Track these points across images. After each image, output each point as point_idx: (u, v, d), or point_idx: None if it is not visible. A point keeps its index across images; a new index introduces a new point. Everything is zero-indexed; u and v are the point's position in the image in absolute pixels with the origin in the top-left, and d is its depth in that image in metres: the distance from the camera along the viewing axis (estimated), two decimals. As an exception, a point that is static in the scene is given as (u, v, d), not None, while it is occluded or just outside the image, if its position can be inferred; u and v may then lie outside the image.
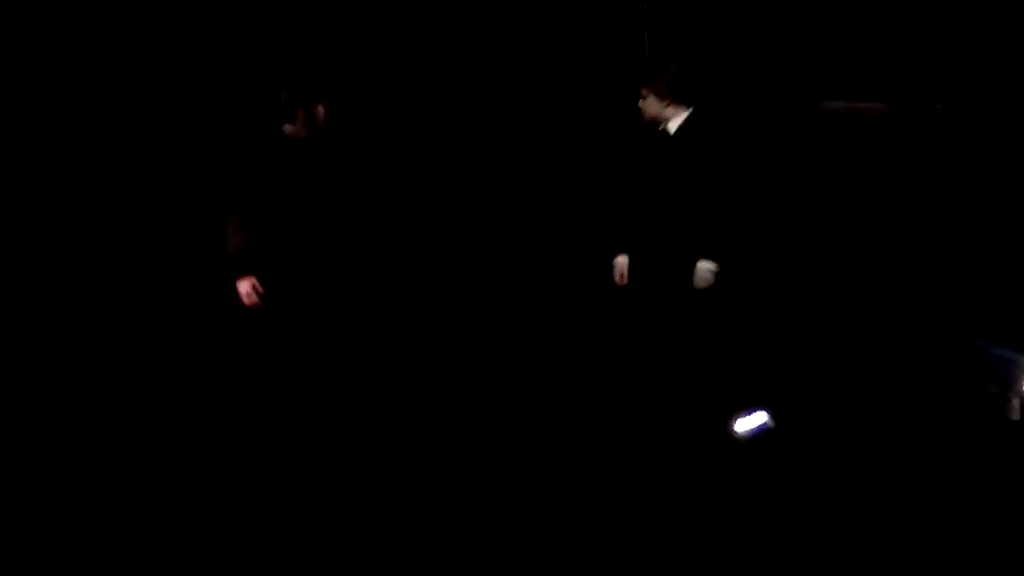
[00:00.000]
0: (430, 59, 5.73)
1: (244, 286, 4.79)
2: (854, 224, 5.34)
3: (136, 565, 3.87)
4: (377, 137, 5.75)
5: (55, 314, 5.60)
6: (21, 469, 4.55)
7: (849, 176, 5.33)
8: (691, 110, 4.85)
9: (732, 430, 4.82)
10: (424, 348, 5.69)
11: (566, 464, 4.61)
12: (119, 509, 4.23)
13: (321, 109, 4.82)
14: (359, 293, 5.05)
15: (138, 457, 4.68)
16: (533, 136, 5.73)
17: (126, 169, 5.68)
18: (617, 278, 5.06)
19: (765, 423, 4.83)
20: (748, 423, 4.82)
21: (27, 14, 5.51)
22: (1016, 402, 4.75)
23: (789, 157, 5.31)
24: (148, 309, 5.68)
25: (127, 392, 5.30)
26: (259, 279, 4.80)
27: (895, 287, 5.27)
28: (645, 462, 4.61)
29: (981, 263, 5.16)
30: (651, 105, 4.86)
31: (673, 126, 4.87)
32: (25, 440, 4.83)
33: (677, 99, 4.85)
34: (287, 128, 4.82)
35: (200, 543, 4.00)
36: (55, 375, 5.38)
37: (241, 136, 4.90)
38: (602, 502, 4.27)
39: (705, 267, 4.81)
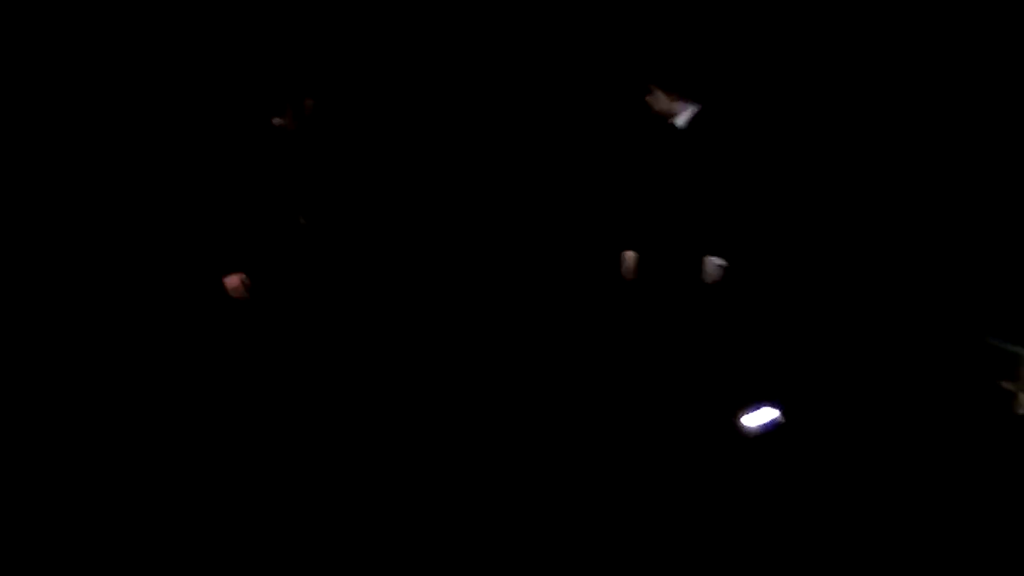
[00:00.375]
0: (432, 53, 5.71)
1: (232, 280, 4.79)
2: (865, 219, 5.33)
3: (123, 564, 3.86)
4: (374, 130, 5.73)
5: (41, 309, 5.56)
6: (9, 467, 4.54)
7: (859, 171, 5.32)
8: (699, 105, 4.86)
9: (741, 425, 4.80)
10: (427, 345, 5.67)
11: (573, 459, 4.59)
12: (107, 505, 4.23)
13: (309, 103, 4.84)
14: (344, 287, 5.05)
15: (127, 452, 4.66)
16: (539, 130, 5.71)
17: (116, 163, 5.64)
18: (625, 273, 5.06)
19: (775, 418, 4.82)
20: (757, 418, 4.81)
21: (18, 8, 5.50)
22: (1025, 397, 4.76)
23: (797, 152, 5.31)
24: (138, 303, 5.63)
25: (115, 386, 5.26)
26: (248, 273, 4.80)
27: (906, 283, 5.27)
28: (653, 457, 4.59)
29: (992, 259, 5.15)
30: (659, 100, 4.86)
31: (681, 121, 4.87)
32: (13, 436, 4.82)
33: (685, 94, 4.86)
34: (276, 121, 4.83)
35: (186, 538, 4.00)
36: (41, 370, 5.34)
37: (230, 129, 4.90)
38: (610, 497, 4.26)
39: (713, 262, 4.84)
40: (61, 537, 4.01)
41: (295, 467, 4.54)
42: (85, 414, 5.01)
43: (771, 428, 4.79)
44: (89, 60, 5.56)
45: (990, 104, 5.15)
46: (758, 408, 4.82)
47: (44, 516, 4.16)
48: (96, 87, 5.59)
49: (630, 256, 5.04)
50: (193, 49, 5.60)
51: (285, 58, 5.43)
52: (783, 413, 4.82)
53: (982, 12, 5.06)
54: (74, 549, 3.93)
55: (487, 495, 4.29)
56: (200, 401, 5.08)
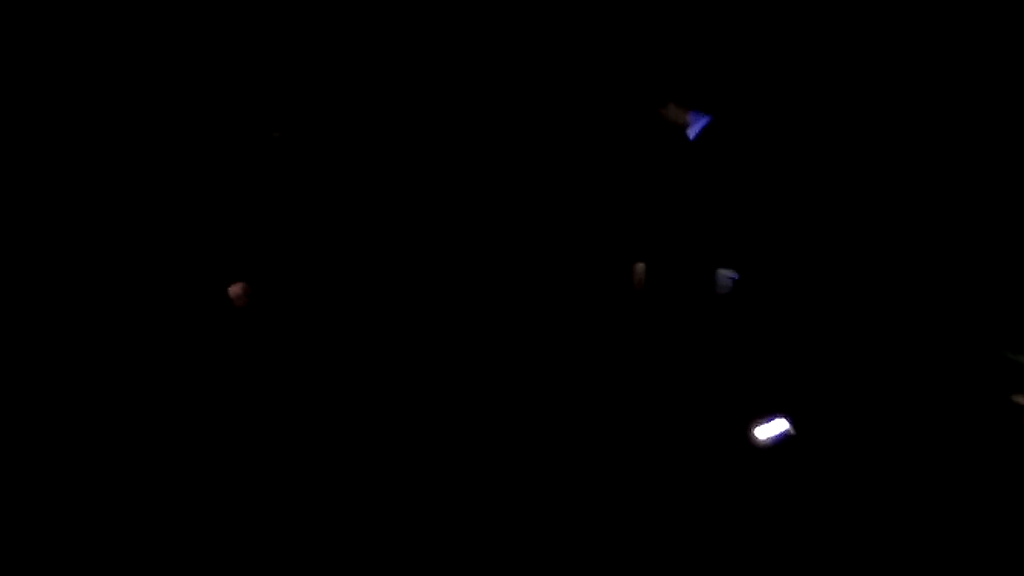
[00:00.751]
0: (446, 64, 5.72)
1: (236, 288, 4.84)
2: (878, 231, 5.32)
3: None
4: (380, 138, 5.74)
5: (46, 316, 5.54)
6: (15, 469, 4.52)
7: (872, 184, 5.32)
8: (711, 116, 4.87)
9: (752, 437, 4.76)
10: (434, 357, 5.63)
11: (584, 471, 4.56)
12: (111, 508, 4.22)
13: (312, 115, 4.94)
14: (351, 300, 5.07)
15: (130, 456, 4.65)
16: (550, 139, 5.72)
17: (120, 173, 5.64)
18: (635, 284, 5.04)
19: (786, 430, 4.79)
20: (769, 430, 4.78)
21: (24, 14, 5.51)
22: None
23: (809, 163, 5.31)
24: (141, 311, 5.61)
25: (117, 392, 5.21)
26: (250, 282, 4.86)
27: (918, 295, 5.26)
28: (664, 469, 4.56)
29: (1005, 272, 5.14)
30: (671, 111, 4.87)
31: (693, 132, 4.88)
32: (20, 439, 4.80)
33: (697, 106, 4.87)
34: (276, 134, 4.89)
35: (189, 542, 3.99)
36: (45, 375, 5.29)
37: (232, 140, 4.97)
38: (622, 509, 4.23)
39: (725, 274, 4.83)
40: (61, 537, 3.98)
41: (296, 470, 4.53)
42: (88, 420, 4.98)
43: (782, 440, 4.76)
44: (96, 70, 5.59)
45: (1011, 121, 5.16)
46: (769, 420, 4.79)
47: (44, 516, 4.14)
48: (104, 98, 5.61)
49: (640, 268, 5.03)
50: (196, 62, 5.61)
51: (284, 70, 5.46)
52: (794, 425, 4.79)
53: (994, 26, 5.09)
54: (74, 549, 3.91)
55: (497, 507, 4.27)
56: (202, 405, 5.06)
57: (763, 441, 4.75)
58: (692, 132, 4.88)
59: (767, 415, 4.80)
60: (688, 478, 4.48)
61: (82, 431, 4.87)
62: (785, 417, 4.81)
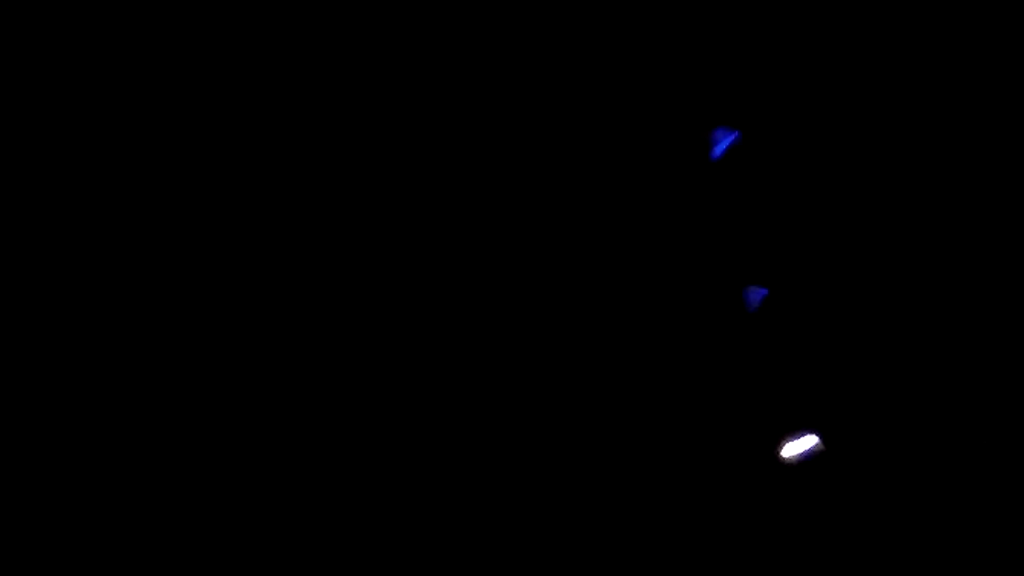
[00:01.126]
0: (459, 75, 5.75)
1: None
2: (916, 249, 5.33)
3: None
4: (378, 142, 5.73)
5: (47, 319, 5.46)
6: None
7: (901, 198, 5.36)
8: (736, 133, 4.90)
9: (780, 455, 4.71)
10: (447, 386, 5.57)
11: (604, 489, 4.52)
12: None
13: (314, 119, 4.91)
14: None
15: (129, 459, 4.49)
16: (569, 158, 5.74)
17: (122, 180, 5.62)
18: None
19: (814, 446, 4.72)
20: (798, 447, 4.71)
21: (26, 14, 5.53)
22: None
23: (839, 177, 5.35)
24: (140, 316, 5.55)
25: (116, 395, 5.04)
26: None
27: (949, 311, 5.26)
28: (688, 488, 4.53)
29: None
30: (695, 131, 4.90)
31: (719, 150, 4.90)
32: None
33: (722, 124, 4.90)
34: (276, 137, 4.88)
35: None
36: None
37: (233, 144, 4.88)
38: (643, 530, 4.17)
39: (753, 290, 4.81)
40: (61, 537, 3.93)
41: (295, 471, 4.44)
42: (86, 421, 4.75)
43: (810, 457, 4.70)
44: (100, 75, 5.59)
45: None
46: (798, 437, 4.74)
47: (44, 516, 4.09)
48: (109, 104, 5.59)
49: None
50: (200, 62, 5.61)
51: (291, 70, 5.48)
52: (823, 441, 4.74)
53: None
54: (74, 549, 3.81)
55: (510, 527, 4.24)
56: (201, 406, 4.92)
57: (792, 458, 4.71)
58: (717, 150, 4.90)
59: (796, 431, 4.76)
60: (712, 499, 4.43)
61: (80, 432, 4.66)
62: (815, 433, 4.77)
